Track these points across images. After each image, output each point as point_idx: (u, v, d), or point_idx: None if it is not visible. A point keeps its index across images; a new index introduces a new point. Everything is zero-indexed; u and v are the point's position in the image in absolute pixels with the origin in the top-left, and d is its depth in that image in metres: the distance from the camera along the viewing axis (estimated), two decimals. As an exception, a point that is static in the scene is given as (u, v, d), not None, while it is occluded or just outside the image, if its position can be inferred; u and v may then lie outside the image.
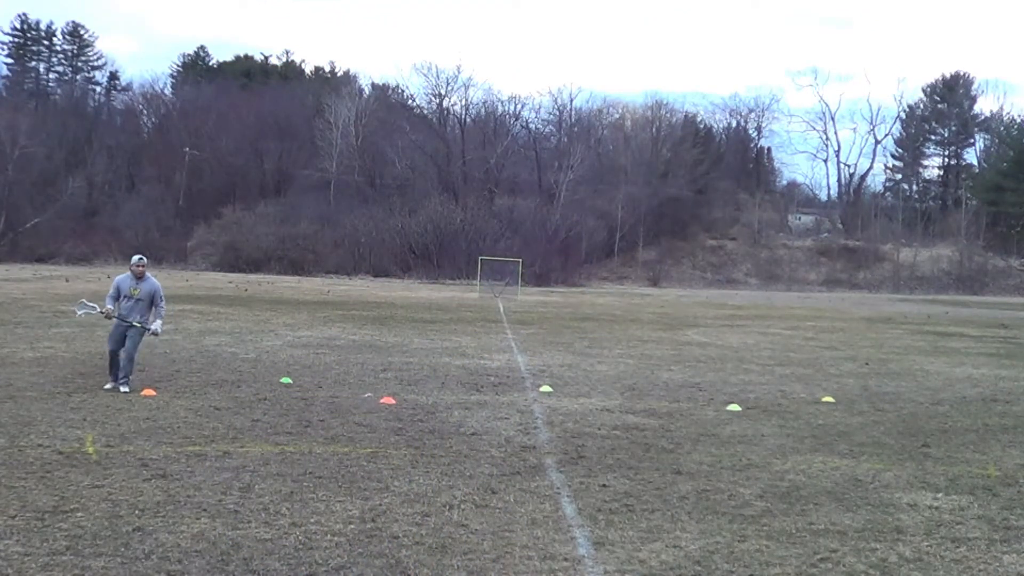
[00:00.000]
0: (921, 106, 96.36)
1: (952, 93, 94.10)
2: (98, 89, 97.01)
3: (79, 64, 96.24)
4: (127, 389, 10.02)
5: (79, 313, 10.97)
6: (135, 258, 10.62)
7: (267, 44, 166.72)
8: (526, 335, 20.23)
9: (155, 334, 10.34)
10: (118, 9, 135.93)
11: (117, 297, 10.28)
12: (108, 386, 10.18)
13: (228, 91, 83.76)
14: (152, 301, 10.41)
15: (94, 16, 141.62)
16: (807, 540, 5.48)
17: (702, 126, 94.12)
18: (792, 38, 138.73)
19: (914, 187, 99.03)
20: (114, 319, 10.27)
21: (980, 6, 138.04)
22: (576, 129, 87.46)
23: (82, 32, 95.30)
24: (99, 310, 10.48)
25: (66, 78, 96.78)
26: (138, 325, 10.25)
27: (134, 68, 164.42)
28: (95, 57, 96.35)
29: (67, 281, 39.41)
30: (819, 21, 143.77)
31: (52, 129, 76.98)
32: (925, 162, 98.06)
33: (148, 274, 10.55)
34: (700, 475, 7.09)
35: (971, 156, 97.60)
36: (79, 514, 5.49)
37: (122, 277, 10.51)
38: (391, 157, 78.08)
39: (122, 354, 10.17)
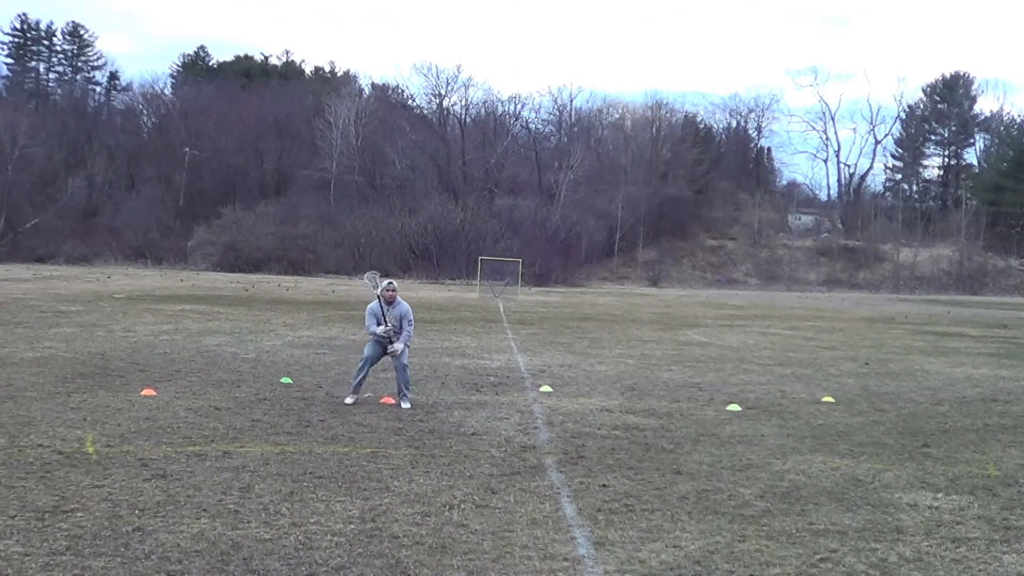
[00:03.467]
0: (921, 106, 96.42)
1: (952, 93, 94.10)
2: (98, 89, 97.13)
3: (79, 64, 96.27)
4: (405, 406, 9.84)
5: (365, 278, 11.00)
6: (385, 283, 10.34)
7: (267, 44, 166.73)
8: (526, 335, 20.24)
9: (393, 353, 10.16)
10: (118, 9, 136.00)
11: (378, 322, 10.18)
12: (349, 400, 10.04)
13: (228, 91, 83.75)
14: (401, 323, 10.28)
15: (94, 16, 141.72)
16: (807, 540, 5.48)
17: (702, 126, 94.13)
18: (792, 38, 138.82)
19: (914, 187, 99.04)
20: (375, 336, 10.21)
21: (980, 6, 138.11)
22: (576, 129, 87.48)
23: (82, 32, 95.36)
24: (378, 291, 10.31)
25: (66, 78, 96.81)
26: (391, 343, 10.19)
27: (134, 68, 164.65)
28: (95, 57, 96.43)
29: (68, 281, 39.44)
30: (819, 21, 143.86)
31: (52, 129, 77.06)
32: (925, 162, 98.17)
33: (399, 298, 10.40)
34: (700, 475, 7.09)
35: (971, 156, 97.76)
36: (79, 514, 5.49)
37: (373, 304, 10.28)
38: (391, 157, 78.08)
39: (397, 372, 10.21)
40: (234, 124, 78.98)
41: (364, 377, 10.30)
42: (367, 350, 10.36)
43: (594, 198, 77.03)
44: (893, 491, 6.77)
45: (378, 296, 10.29)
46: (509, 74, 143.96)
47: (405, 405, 9.89)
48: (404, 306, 10.33)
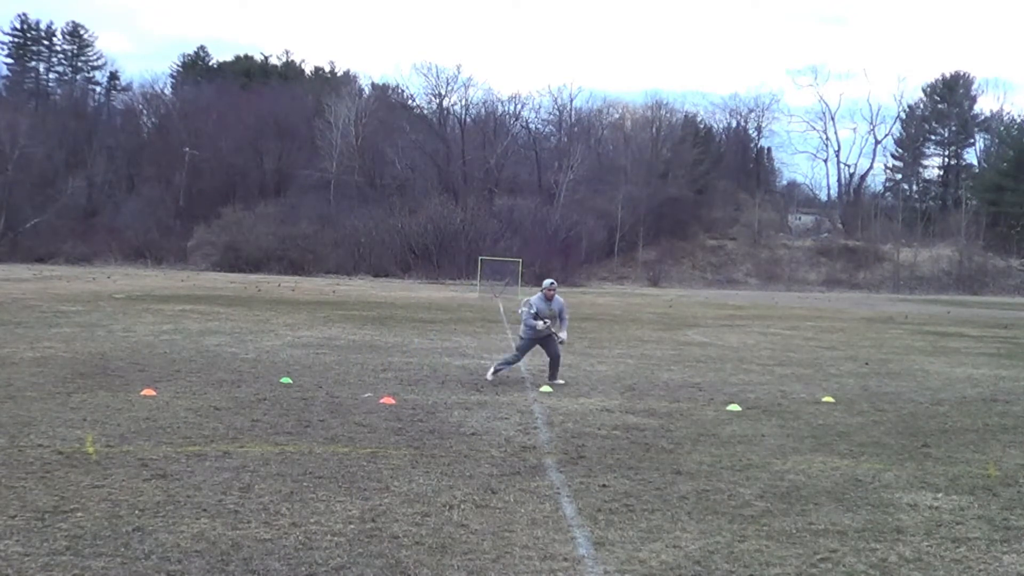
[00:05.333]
0: (921, 106, 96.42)
1: (952, 93, 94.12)
2: (98, 89, 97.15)
3: (79, 64, 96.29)
4: (560, 382, 11.76)
5: (522, 310, 12.31)
6: (547, 282, 12.17)
7: (267, 44, 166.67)
8: (526, 335, 20.21)
9: (562, 342, 11.92)
10: (118, 9, 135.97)
11: (536, 315, 11.78)
12: (490, 376, 11.94)
13: (228, 91, 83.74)
14: (559, 315, 11.96)
15: (94, 16, 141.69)
16: (807, 540, 5.48)
17: (702, 126, 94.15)
18: (792, 37, 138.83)
19: (914, 187, 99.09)
20: (535, 331, 11.80)
21: (980, 6, 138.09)
22: (576, 129, 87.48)
23: (82, 32, 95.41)
24: (533, 310, 11.88)
25: (66, 78, 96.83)
26: (553, 332, 11.90)
27: (134, 68, 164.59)
28: (95, 57, 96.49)
29: (69, 281, 39.44)
30: (819, 20, 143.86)
31: (52, 129, 77.03)
32: (925, 162, 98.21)
33: (556, 295, 12.04)
34: (700, 475, 7.09)
35: (971, 156, 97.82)
36: (79, 514, 5.49)
37: (537, 300, 11.93)
38: (391, 157, 78.10)
39: (549, 358, 12.11)
40: (234, 124, 78.96)
41: (511, 365, 12.15)
42: (522, 347, 12.04)
43: (594, 198, 77.02)
44: (893, 491, 6.77)
45: (542, 292, 11.91)
46: (509, 74, 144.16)
47: (560, 381, 11.80)
48: (560, 301, 12.01)
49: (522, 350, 12.07)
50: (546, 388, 11.55)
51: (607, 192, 77.91)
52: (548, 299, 11.86)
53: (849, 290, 74.95)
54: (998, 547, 5.48)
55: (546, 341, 11.93)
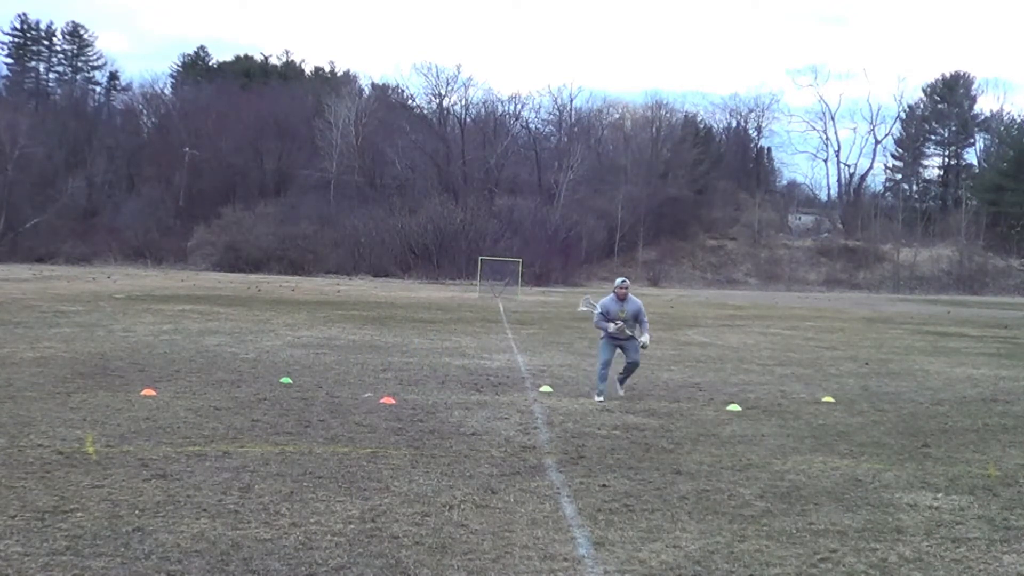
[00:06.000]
0: (921, 106, 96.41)
1: (952, 93, 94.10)
2: (98, 89, 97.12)
3: (79, 64, 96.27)
4: (621, 393, 10.98)
5: (582, 308, 11.74)
6: (619, 281, 11.11)
7: (267, 44, 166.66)
8: (526, 335, 20.23)
9: (644, 346, 10.93)
10: (118, 9, 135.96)
11: (606, 318, 10.80)
12: (599, 398, 10.61)
13: (228, 91, 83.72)
14: (637, 318, 10.90)
15: (94, 16, 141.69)
16: (807, 540, 5.48)
17: (702, 126, 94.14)
18: (792, 37, 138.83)
19: (914, 187, 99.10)
20: (608, 334, 10.86)
21: (980, 6, 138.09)
22: (576, 129, 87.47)
23: (82, 32, 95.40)
24: (598, 310, 11.02)
25: (66, 78, 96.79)
26: (632, 336, 10.90)
27: (134, 68, 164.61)
28: (95, 57, 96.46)
29: (69, 282, 39.43)
30: (818, 20, 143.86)
31: (52, 129, 76.99)
32: (925, 162, 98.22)
33: (630, 295, 10.99)
34: (700, 475, 7.09)
35: (971, 156, 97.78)
36: (79, 514, 5.49)
37: (607, 300, 10.95)
38: (391, 157, 78.07)
39: (627, 364, 11.10)
40: (234, 124, 78.94)
41: (607, 376, 10.89)
42: (603, 353, 10.96)
43: (594, 198, 77.02)
44: (893, 491, 6.77)
45: (614, 292, 10.90)
46: (509, 74, 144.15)
47: (620, 392, 11.03)
48: (636, 302, 10.96)
49: (602, 351, 11.00)
50: (546, 388, 11.55)
51: (607, 192, 77.91)
52: (620, 299, 10.80)
53: (849, 290, 74.94)
54: (998, 547, 5.48)
55: (626, 344, 10.91)
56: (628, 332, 10.80)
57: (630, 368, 11.10)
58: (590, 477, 6.90)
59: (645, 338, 10.79)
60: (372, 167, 79.82)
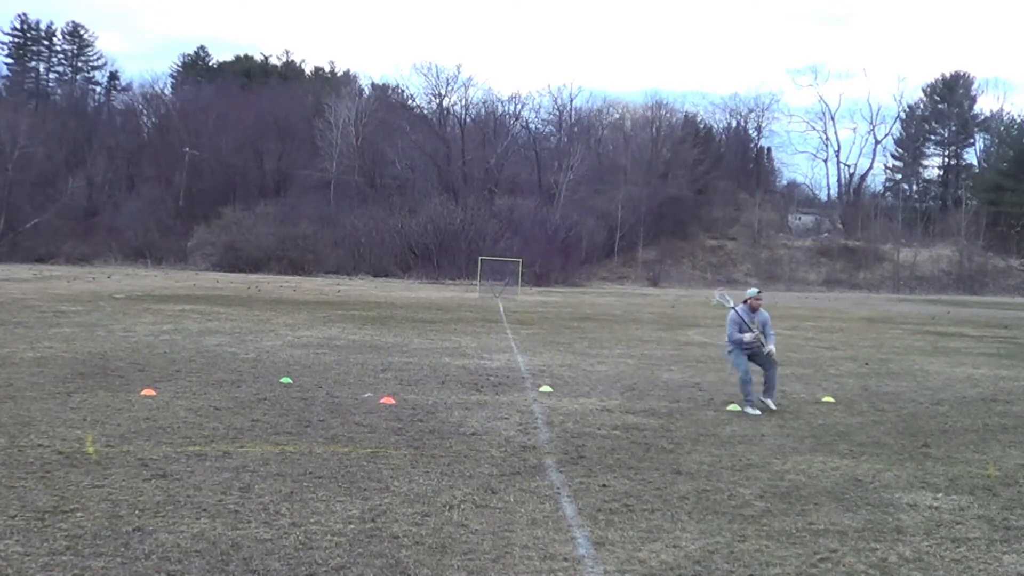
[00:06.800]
0: (921, 106, 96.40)
1: (952, 93, 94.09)
2: (98, 89, 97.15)
3: (79, 64, 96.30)
4: (772, 407, 10.54)
5: (716, 301, 11.71)
6: (752, 291, 11.15)
7: (267, 44, 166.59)
8: (526, 335, 20.23)
9: (770, 353, 10.84)
10: (117, 9, 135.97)
11: (740, 329, 10.83)
12: (749, 409, 10.34)
13: (228, 91, 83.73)
14: (764, 329, 10.94)
15: (93, 16, 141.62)
16: (807, 540, 5.48)
17: (702, 126, 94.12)
18: (792, 37, 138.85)
19: (914, 187, 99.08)
20: (742, 345, 10.82)
21: (980, 6, 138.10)
22: (576, 129, 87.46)
23: (82, 32, 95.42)
24: (730, 304, 11.13)
25: (66, 78, 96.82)
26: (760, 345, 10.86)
27: (134, 68, 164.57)
28: (95, 57, 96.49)
29: (69, 282, 39.42)
30: (818, 19, 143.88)
31: (52, 129, 76.96)
32: (925, 162, 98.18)
33: (760, 308, 11.08)
34: (700, 475, 7.09)
35: (971, 156, 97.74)
36: (79, 514, 5.49)
37: (741, 310, 10.93)
38: (391, 157, 78.07)
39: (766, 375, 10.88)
40: (234, 124, 78.93)
41: (751, 381, 10.65)
42: (740, 364, 10.81)
43: (594, 198, 76.99)
44: (893, 491, 6.77)
45: (747, 302, 10.93)
46: (509, 74, 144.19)
47: (772, 405, 10.57)
48: (765, 314, 11.03)
49: (739, 363, 10.86)
50: (546, 388, 11.55)
51: (607, 192, 77.89)
52: (753, 310, 10.89)
53: (849, 290, 74.92)
54: (998, 547, 5.48)
55: (758, 354, 10.86)
56: (760, 341, 10.77)
57: (770, 380, 10.84)
58: (590, 477, 6.90)
59: (771, 347, 10.82)
60: (372, 167, 79.81)
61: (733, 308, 10.92)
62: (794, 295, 62.39)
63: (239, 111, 79.51)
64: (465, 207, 70.06)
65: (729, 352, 11.00)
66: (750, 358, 10.77)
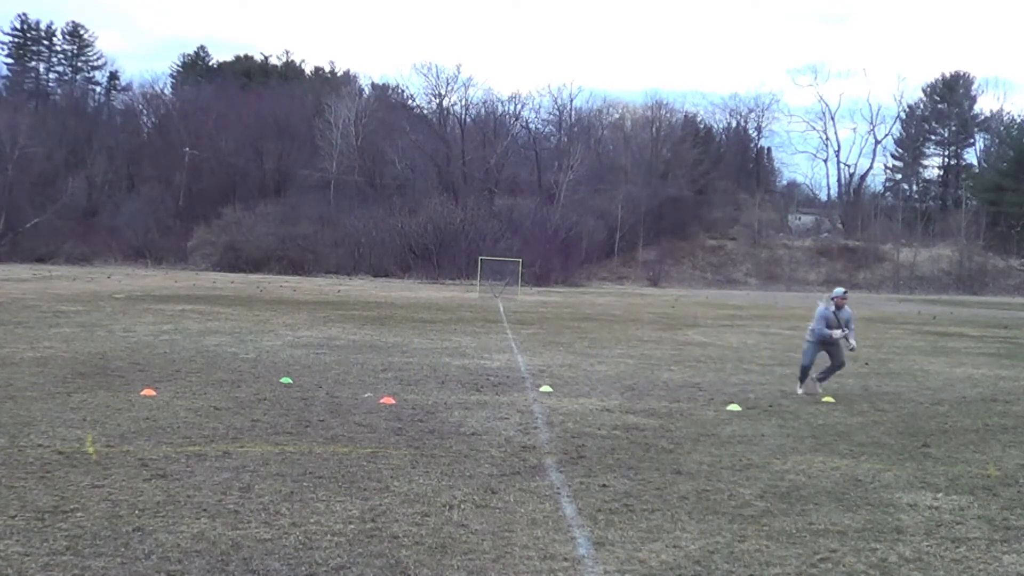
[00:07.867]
0: (921, 106, 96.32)
1: (952, 93, 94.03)
2: (98, 89, 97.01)
3: (79, 64, 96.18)
4: (826, 399, 11.37)
5: (822, 302, 12.18)
6: (838, 291, 12.14)
7: (267, 44, 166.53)
8: (526, 335, 20.23)
9: (852, 349, 12.07)
10: (117, 9, 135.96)
11: (828, 325, 11.78)
12: (800, 390, 11.85)
13: (228, 91, 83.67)
14: (847, 325, 11.93)
15: (93, 16, 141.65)
16: (807, 540, 5.49)
17: (702, 126, 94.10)
18: (792, 37, 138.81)
19: (914, 187, 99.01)
20: (830, 339, 11.82)
21: (980, 6, 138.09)
22: (576, 129, 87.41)
23: (82, 32, 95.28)
24: (841, 334, 11.90)
25: (66, 78, 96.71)
26: (845, 341, 11.90)
27: (134, 68, 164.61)
28: (95, 57, 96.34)
29: (68, 282, 39.42)
30: (818, 19, 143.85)
31: (52, 129, 76.91)
32: (925, 162, 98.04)
33: (845, 305, 12.04)
34: (700, 475, 7.09)
35: (971, 156, 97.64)
36: (79, 514, 5.49)
37: (825, 309, 11.88)
38: (391, 157, 78.04)
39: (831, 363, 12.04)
40: (234, 124, 78.90)
41: (807, 370, 11.94)
42: (809, 354, 11.92)
43: (594, 198, 76.98)
44: (893, 491, 6.77)
45: (833, 301, 11.93)
46: (509, 74, 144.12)
47: (820, 389, 11.89)
48: (849, 311, 12.02)
49: (809, 355, 11.94)
50: (546, 388, 11.55)
51: (607, 192, 77.87)
52: (838, 307, 11.85)
53: (849, 290, 74.81)
54: (998, 547, 5.48)
55: (834, 347, 11.91)
56: (844, 336, 11.76)
57: (836, 368, 12.03)
58: (590, 477, 6.90)
59: (854, 342, 11.88)
60: (372, 167, 79.77)
61: (820, 315, 11.79)
62: (794, 295, 62.37)
63: (239, 111, 79.48)
64: (465, 207, 70.04)
65: (808, 341, 11.98)
66: (826, 349, 11.84)
